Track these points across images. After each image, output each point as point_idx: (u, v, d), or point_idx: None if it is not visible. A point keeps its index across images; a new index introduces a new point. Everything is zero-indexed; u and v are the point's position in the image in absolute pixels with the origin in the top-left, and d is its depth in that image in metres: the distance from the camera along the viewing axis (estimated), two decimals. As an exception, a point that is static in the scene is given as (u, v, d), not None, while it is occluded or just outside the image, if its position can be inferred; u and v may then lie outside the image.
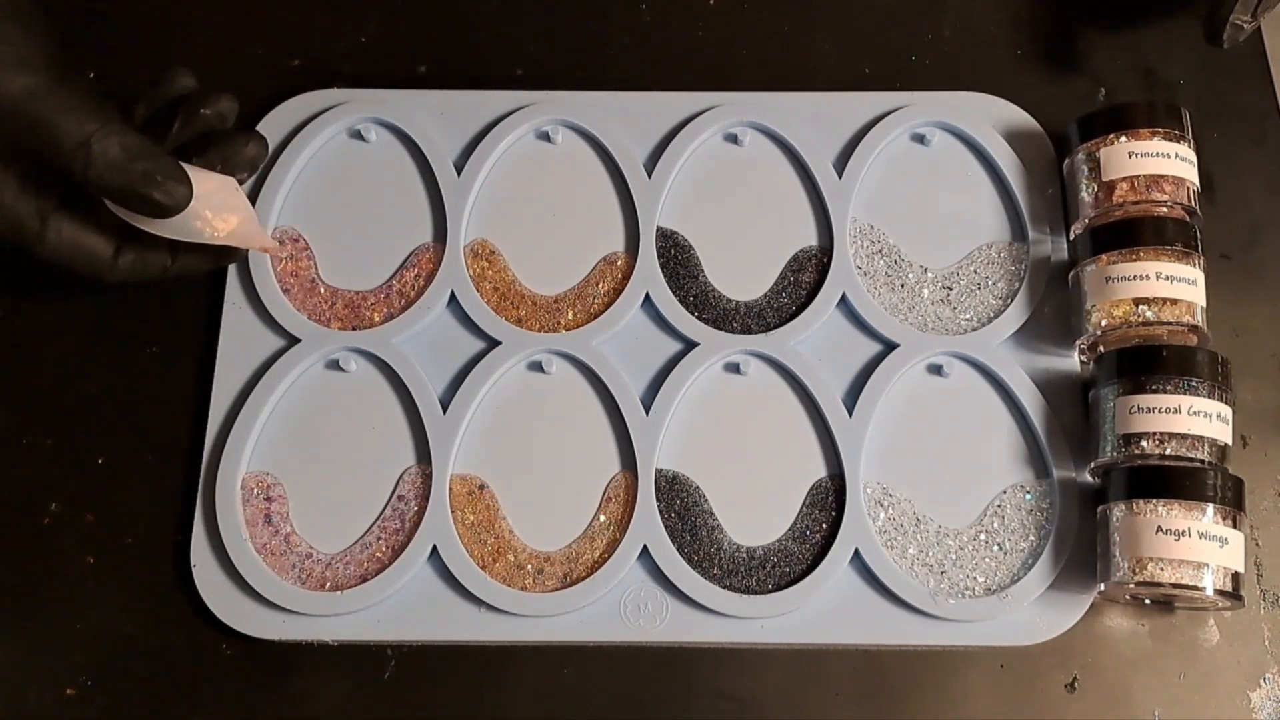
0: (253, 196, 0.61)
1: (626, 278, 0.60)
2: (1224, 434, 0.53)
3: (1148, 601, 0.55)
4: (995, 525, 0.56)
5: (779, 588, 0.55)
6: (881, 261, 0.60)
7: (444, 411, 0.57)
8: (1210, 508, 0.50)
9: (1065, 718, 0.54)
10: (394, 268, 0.60)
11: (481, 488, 0.57)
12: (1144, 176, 0.57)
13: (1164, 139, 0.57)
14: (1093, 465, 0.55)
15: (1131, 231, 0.56)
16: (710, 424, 0.58)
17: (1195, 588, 0.50)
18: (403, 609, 0.55)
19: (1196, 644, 0.55)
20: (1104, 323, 0.56)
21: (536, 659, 0.55)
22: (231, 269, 0.60)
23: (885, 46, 0.66)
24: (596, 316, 0.59)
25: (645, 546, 0.55)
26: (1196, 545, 0.50)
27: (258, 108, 0.63)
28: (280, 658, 0.55)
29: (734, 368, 0.59)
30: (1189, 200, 0.57)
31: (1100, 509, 0.54)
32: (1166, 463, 0.52)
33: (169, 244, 0.54)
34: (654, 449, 0.57)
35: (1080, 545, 0.55)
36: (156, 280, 0.56)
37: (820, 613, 0.55)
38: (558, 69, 0.66)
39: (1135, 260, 0.55)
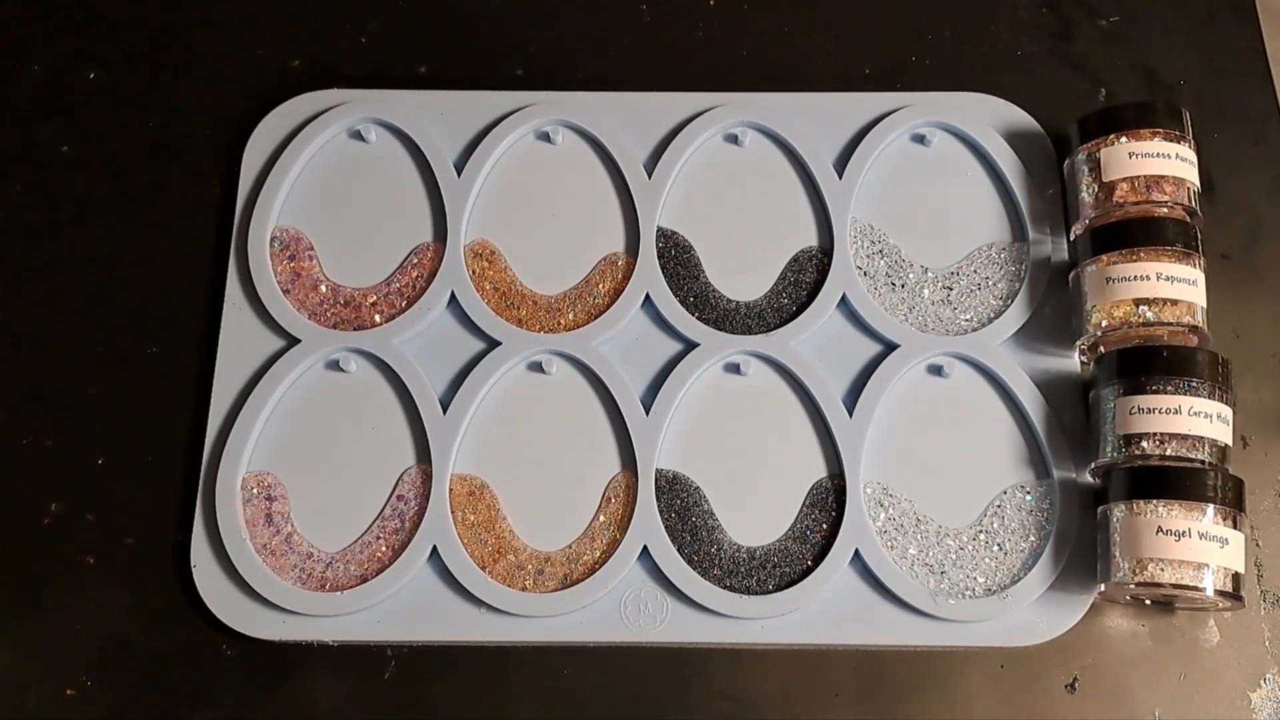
0: (252, 196, 0.61)
1: (627, 278, 0.60)
2: (1224, 434, 0.53)
3: (1148, 602, 0.55)
4: (995, 525, 0.56)
5: (779, 588, 0.55)
6: (882, 262, 0.60)
7: (444, 412, 0.57)
8: (1210, 508, 0.50)
9: (1066, 718, 0.54)
10: (394, 268, 0.60)
11: (482, 488, 0.57)
12: (1144, 177, 0.57)
13: (1164, 139, 0.57)
14: (1093, 466, 0.55)
15: (1132, 232, 0.56)
16: (710, 424, 0.58)
17: (1196, 588, 0.50)
18: (403, 609, 0.55)
19: (1197, 644, 0.55)
20: (1104, 323, 0.56)
21: (537, 659, 0.55)
22: (231, 268, 0.60)
23: (885, 46, 0.66)
24: (597, 317, 0.59)
25: (645, 547, 0.55)
26: (1197, 546, 0.50)
27: (258, 108, 0.63)
28: (280, 658, 0.55)
29: (734, 368, 0.58)
30: (1189, 200, 0.57)
31: (1100, 509, 0.54)
32: (1167, 463, 0.52)
33: None
34: (654, 449, 0.57)
35: (1080, 546, 0.55)
36: None
37: (820, 613, 0.55)
38: (558, 69, 0.66)
39: (1135, 261, 0.55)
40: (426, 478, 0.56)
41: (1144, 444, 0.52)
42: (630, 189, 0.61)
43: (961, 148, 0.63)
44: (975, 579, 0.55)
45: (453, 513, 0.56)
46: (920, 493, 0.57)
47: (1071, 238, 0.60)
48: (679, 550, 0.55)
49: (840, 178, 0.61)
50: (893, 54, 0.66)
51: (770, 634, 0.54)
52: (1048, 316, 0.59)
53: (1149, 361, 0.53)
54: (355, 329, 0.59)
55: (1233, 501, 0.51)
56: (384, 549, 0.56)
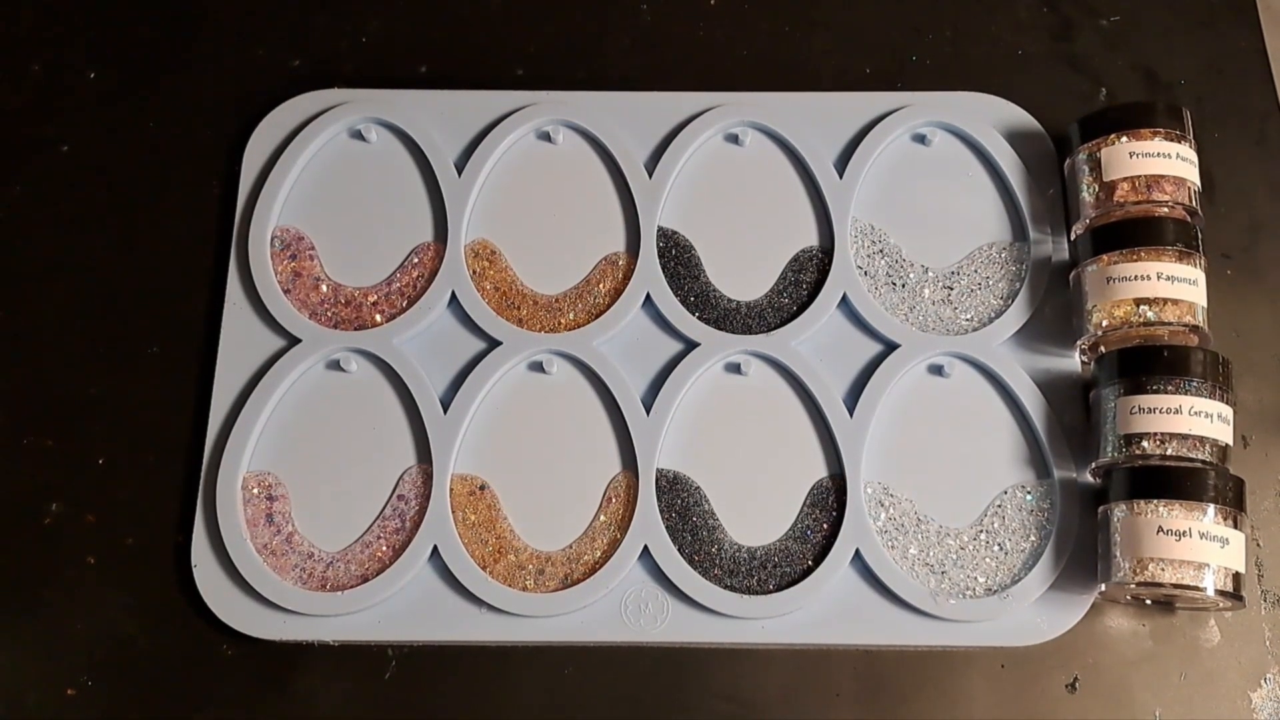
0: (253, 196, 0.61)
1: (627, 278, 0.60)
2: (1225, 434, 0.53)
3: (1149, 602, 0.55)
4: (996, 525, 0.56)
5: (780, 588, 0.55)
6: (882, 261, 0.60)
7: (445, 411, 0.57)
8: (1211, 508, 0.50)
9: (1066, 718, 0.54)
10: (395, 268, 0.60)
11: (482, 488, 0.57)
12: (1145, 176, 0.57)
13: (1165, 139, 0.57)
14: (1093, 465, 0.55)
15: (1132, 232, 0.56)
16: (711, 424, 0.58)
17: (1196, 588, 0.50)
18: (403, 609, 0.55)
19: (1197, 644, 0.55)
20: (1105, 323, 0.56)
21: (537, 659, 0.55)
22: (232, 268, 0.60)
23: (885, 46, 0.66)
24: (597, 316, 0.59)
25: (646, 547, 0.55)
26: (1197, 545, 0.50)
27: (258, 108, 0.63)
28: (280, 658, 0.55)
29: (735, 368, 0.58)
30: (1190, 200, 0.57)
31: (1101, 509, 0.54)
32: (1167, 463, 0.52)
33: None
34: (655, 449, 0.57)
35: (1081, 545, 0.55)
36: None
37: (821, 613, 0.55)
38: (558, 69, 0.66)
39: (1136, 260, 0.55)
40: (427, 478, 0.56)
41: (1144, 444, 0.52)
42: (631, 189, 0.61)
43: (962, 147, 0.63)
44: (976, 579, 0.55)
45: (453, 513, 0.56)
46: (921, 492, 0.57)
47: (1072, 237, 0.60)
48: (679, 550, 0.55)
49: (840, 177, 0.61)
50: (893, 54, 0.66)
51: (771, 634, 0.54)
52: (1048, 316, 0.59)
53: (1149, 361, 0.53)
54: (356, 329, 0.59)
55: (1233, 501, 0.51)
56: (385, 549, 0.56)
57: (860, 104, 0.63)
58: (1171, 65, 0.66)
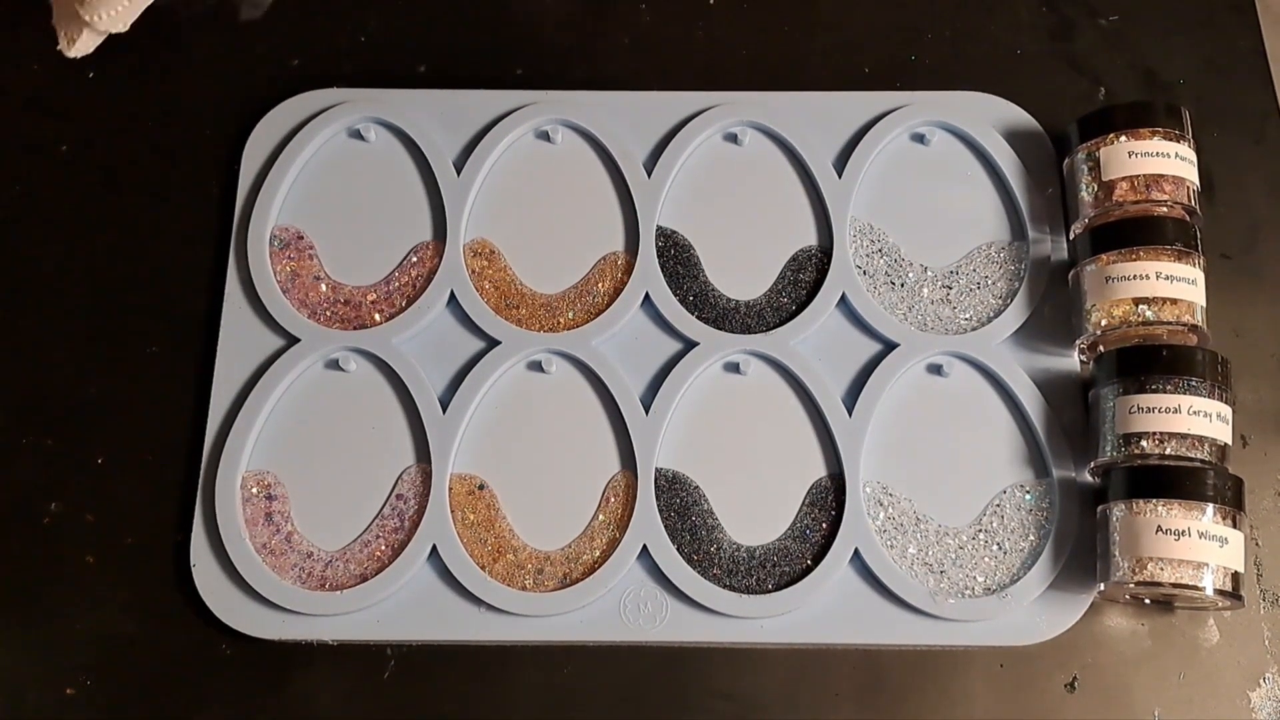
0: (252, 196, 0.61)
1: (626, 277, 0.60)
2: (1224, 434, 0.53)
3: (1148, 601, 0.55)
4: (995, 525, 0.56)
5: (779, 587, 0.55)
6: (881, 261, 0.60)
7: (444, 411, 0.57)
8: (1210, 507, 0.50)
9: (1065, 718, 0.54)
10: (394, 267, 0.60)
11: (481, 487, 0.57)
12: (1144, 176, 0.57)
13: (1164, 139, 0.57)
14: (1092, 465, 0.55)
15: (1131, 231, 0.56)
16: (710, 424, 0.58)
17: (1195, 587, 0.50)
18: (403, 609, 0.55)
19: (1196, 644, 0.55)
20: (1104, 322, 0.56)
21: (536, 659, 0.55)
22: (231, 268, 0.60)
23: (885, 46, 0.66)
24: (596, 316, 0.59)
25: (645, 546, 0.55)
26: (1196, 545, 0.50)
27: (258, 108, 0.63)
28: (280, 658, 0.55)
29: (734, 367, 0.59)
30: (1189, 200, 0.57)
31: (1100, 509, 0.54)
32: (1166, 462, 0.52)
33: None
34: (654, 448, 0.57)
35: (1080, 545, 0.55)
36: None
37: (820, 612, 0.55)
38: (558, 69, 0.66)
39: (1135, 260, 0.55)
40: (426, 477, 0.56)
41: (1143, 443, 0.52)
42: (630, 188, 0.61)
43: (961, 147, 0.63)
44: (975, 578, 0.55)
45: (452, 512, 0.56)
46: (920, 492, 0.57)
47: (1071, 237, 0.60)
48: (678, 549, 0.55)
49: (840, 177, 0.61)
50: (893, 54, 0.66)
51: (770, 633, 0.54)
52: (1047, 316, 0.59)
53: (1149, 361, 0.53)
54: (355, 328, 0.59)
55: (1232, 501, 0.51)
56: (383, 548, 0.56)
57: (859, 104, 0.63)
58: (1171, 65, 0.66)
